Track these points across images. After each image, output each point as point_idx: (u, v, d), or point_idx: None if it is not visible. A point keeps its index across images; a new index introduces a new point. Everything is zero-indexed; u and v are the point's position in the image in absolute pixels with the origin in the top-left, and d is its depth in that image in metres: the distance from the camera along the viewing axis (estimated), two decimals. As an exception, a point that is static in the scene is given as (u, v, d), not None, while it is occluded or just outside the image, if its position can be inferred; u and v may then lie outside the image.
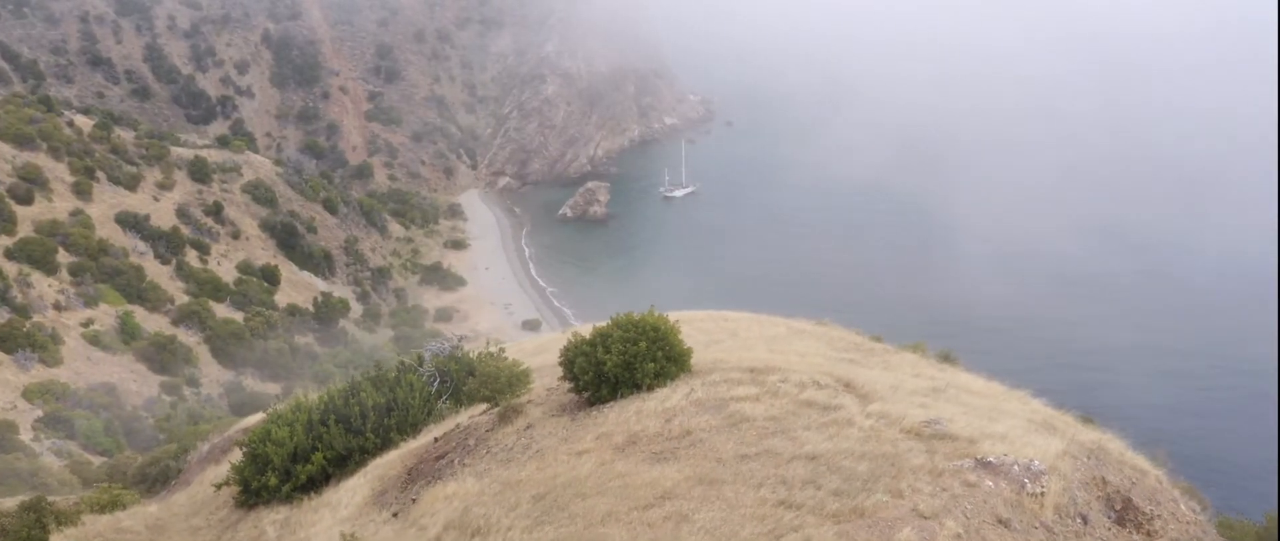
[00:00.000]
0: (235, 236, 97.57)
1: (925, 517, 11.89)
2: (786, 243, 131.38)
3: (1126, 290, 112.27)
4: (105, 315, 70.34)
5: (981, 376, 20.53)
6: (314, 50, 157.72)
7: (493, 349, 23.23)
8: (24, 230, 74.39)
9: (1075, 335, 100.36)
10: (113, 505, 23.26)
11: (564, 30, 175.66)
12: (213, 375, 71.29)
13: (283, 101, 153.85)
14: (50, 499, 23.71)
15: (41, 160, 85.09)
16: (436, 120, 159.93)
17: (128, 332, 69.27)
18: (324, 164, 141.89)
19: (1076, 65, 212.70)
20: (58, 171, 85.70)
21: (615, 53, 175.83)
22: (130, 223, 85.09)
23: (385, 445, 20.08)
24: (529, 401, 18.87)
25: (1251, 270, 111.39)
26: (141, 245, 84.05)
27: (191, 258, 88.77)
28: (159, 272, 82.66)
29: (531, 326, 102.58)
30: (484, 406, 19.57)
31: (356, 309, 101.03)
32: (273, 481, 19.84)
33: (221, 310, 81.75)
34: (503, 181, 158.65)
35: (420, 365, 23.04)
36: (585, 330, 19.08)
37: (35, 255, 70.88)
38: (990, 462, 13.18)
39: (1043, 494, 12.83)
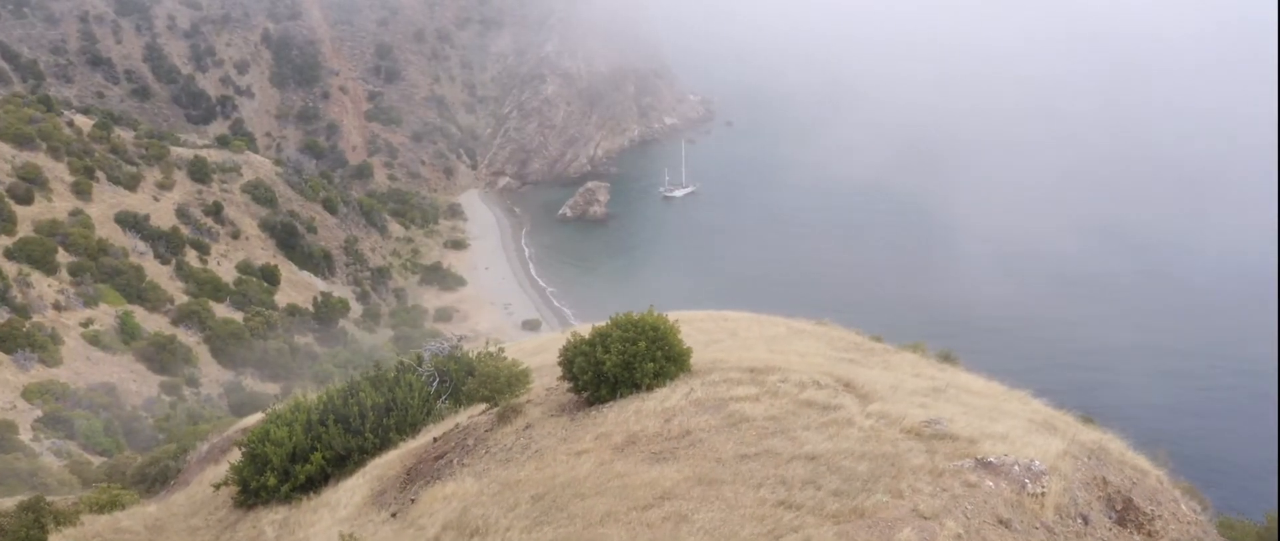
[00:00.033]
0: (235, 236, 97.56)
1: (925, 518, 11.85)
2: (786, 243, 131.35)
3: (1127, 290, 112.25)
4: (105, 315, 70.31)
5: (982, 376, 20.49)
6: (314, 50, 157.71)
7: (492, 349, 23.21)
8: (24, 230, 74.35)
9: (1075, 335, 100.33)
10: (111, 505, 23.23)
11: (564, 30, 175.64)
12: (212, 375, 71.26)
13: (283, 101, 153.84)
14: (49, 499, 23.68)
15: (41, 160, 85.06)
16: (436, 120, 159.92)
17: (127, 332, 69.25)
18: (324, 164, 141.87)
19: (1076, 65, 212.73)
20: (57, 171, 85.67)
21: (615, 53, 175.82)
22: (130, 222, 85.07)
23: (384, 445, 20.04)
24: (528, 401, 18.83)
25: (1251, 270, 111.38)
26: (141, 245, 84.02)
27: (191, 257, 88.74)
28: (159, 272, 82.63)
29: (531, 326, 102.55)
30: (483, 406, 19.54)
31: (356, 309, 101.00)
32: (271, 481, 19.81)
33: (221, 310, 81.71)
34: (503, 181, 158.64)
35: (419, 365, 22.99)
36: (585, 330, 19.04)
37: (35, 255, 70.84)
38: (991, 463, 13.14)
39: (1043, 494, 12.79)
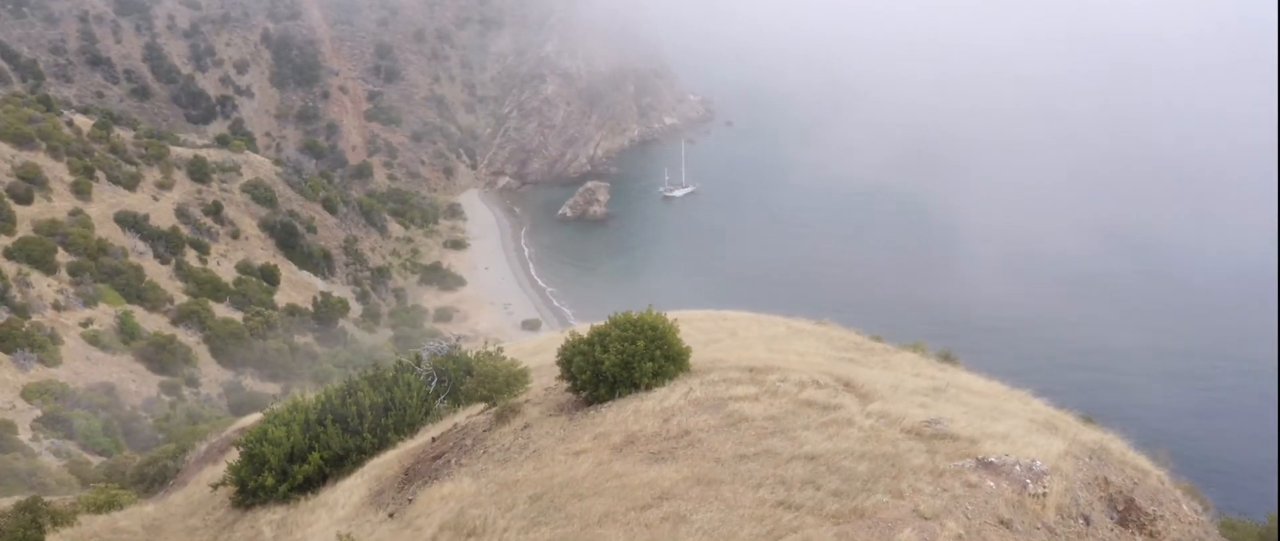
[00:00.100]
0: (234, 236, 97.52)
1: (926, 518, 11.78)
2: (786, 243, 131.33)
3: (1127, 290, 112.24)
4: (104, 315, 70.25)
5: (982, 376, 20.43)
6: (314, 50, 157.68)
7: (490, 349, 23.14)
8: (23, 230, 74.30)
9: (1076, 335, 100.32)
10: (109, 505, 23.15)
11: (564, 30, 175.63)
12: (212, 375, 71.20)
13: (282, 101, 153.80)
14: (47, 499, 23.63)
15: (41, 160, 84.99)
16: (436, 120, 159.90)
17: (127, 332, 69.19)
18: (323, 164, 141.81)
19: (1076, 65, 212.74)
20: (57, 171, 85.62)
21: (615, 53, 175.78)
22: (129, 222, 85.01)
23: (382, 445, 19.97)
24: (526, 401, 18.76)
25: (1251, 270, 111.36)
26: (141, 245, 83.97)
27: (191, 257, 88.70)
28: (158, 272, 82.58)
29: (531, 326, 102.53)
30: (481, 406, 19.47)
31: (356, 309, 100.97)
32: (269, 481, 19.73)
33: (221, 310, 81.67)
34: (502, 181, 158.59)
35: (418, 365, 22.93)
36: (584, 330, 18.97)
37: (34, 255, 70.78)
38: (991, 463, 13.07)
39: (1045, 494, 12.72)
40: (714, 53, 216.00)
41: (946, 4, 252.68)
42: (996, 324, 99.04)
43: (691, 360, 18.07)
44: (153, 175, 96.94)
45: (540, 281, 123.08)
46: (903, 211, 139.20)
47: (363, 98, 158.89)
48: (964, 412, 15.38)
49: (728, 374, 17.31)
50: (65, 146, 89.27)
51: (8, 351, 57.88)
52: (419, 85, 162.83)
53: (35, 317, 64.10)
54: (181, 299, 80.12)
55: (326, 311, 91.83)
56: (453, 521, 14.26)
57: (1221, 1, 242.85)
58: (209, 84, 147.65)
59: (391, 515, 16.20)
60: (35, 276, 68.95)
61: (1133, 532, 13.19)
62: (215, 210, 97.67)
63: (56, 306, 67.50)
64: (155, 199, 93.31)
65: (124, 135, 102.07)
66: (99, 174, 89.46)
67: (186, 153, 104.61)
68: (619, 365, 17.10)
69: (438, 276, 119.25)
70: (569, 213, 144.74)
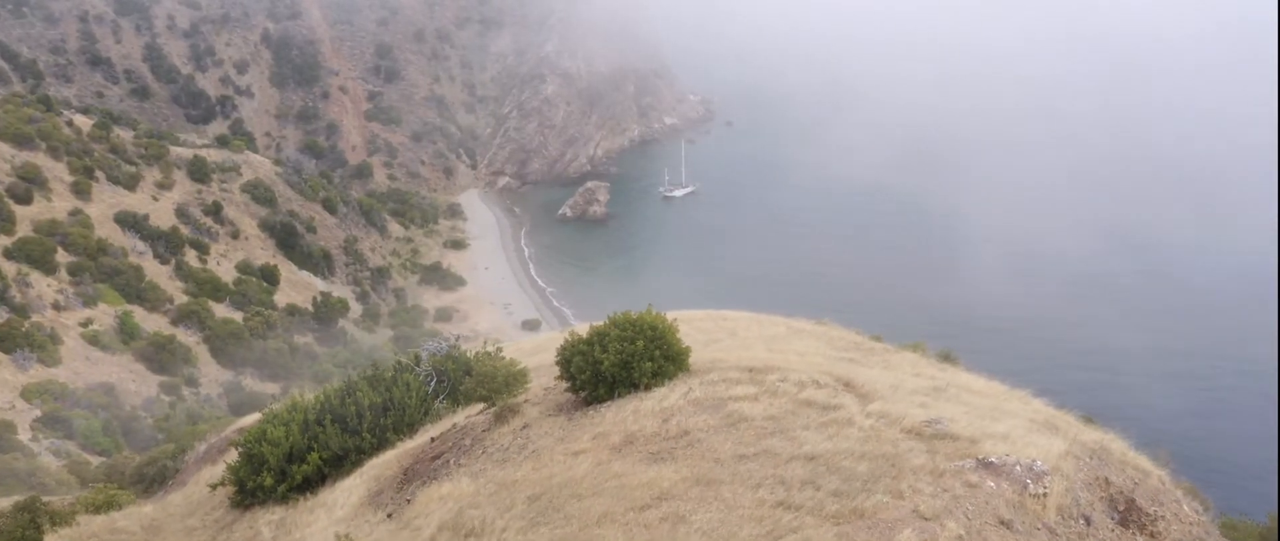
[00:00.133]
0: (234, 236, 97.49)
1: (926, 519, 11.74)
2: (786, 243, 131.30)
3: (1127, 290, 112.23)
4: (104, 315, 70.23)
5: (982, 376, 20.38)
6: (313, 50, 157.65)
7: (490, 348, 23.10)
8: (23, 230, 74.28)
9: (1076, 335, 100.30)
10: (108, 505, 23.11)
11: (564, 30, 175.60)
12: (212, 375, 71.17)
13: (282, 101, 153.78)
14: (45, 499, 23.59)
15: (40, 160, 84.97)
16: (436, 120, 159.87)
17: (127, 332, 69.16)
18: (323, 164, 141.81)
19: (1076, 65, 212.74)
20: (57, 171, 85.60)
21: (615, 53, 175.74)
22: (129, 222, 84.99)
23: (381, 445, 19.93)
24: (526, 401, 18.72)
25: (1252, 270, 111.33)
26: (140, 245, 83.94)
27: (191, 257, 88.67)
28: (158, 272, 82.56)
29: (531, 326, 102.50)
30: (480, 406, 19.43)
31: (356, 309, 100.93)
32: (268, 482, 19.69)
33: (221, 310, 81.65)
34: (502, 181, 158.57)
35: (417, 365, 22.89)
36: (583, 329, 18.93)
37: (34, 255, 70.76)
38: (992, 463, 13.03)
39: (1045, 494, 12.68)
40: (714, 53, 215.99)
41: (946, 4, 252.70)
42: (996, 324, 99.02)
43: (691, 360, 18.02)
44: (153, 175, 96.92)
45: (540, 281, 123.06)
46: (903, 211, 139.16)
47: (363, 98, 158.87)
48: (964, 412, 15.34)
49: (727, 374, 17.26)
50: (65, 146, 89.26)
51: (7, 351, 57.86)
52: (419, 85, 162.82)
53: (35, 317, 64.09)
54: (181, 299, 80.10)
55: (326, 311, 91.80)
56: (451, 521, 14.22)
57: (1221, 1, 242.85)
58: (209, 84, 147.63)
59: (390, 515, 16.16)
60: (35, 276, 68.93)
61: (1134, 533, 13.15)
62: (215, 210, 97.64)
63: (56, 306, 67.48)
64: (155, 199, 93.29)
65: (124, 135, 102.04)
66: (99, 174, 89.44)
67: (186, 153, 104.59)
68: (618, 365, 17.05)
69: (438, 276, 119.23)
70: (569, 213, 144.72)
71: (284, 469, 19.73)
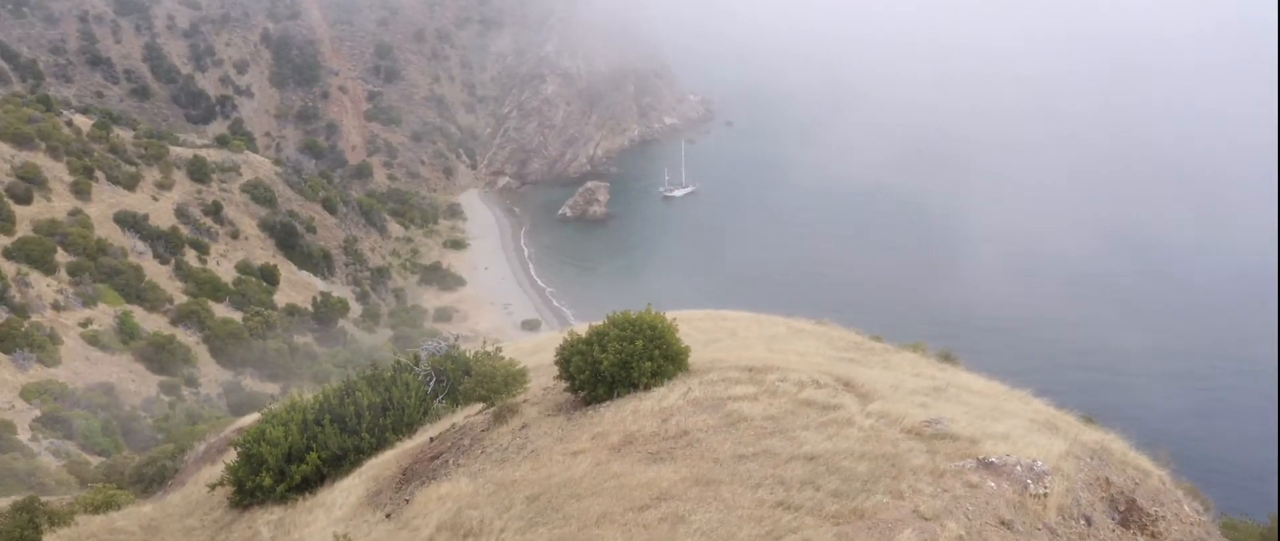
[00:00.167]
0: (234, 236, 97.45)
1: (926, 519, 11.71)
2: (786, 243, 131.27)
3: (1127, 290, 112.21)
4: (104, 315, 70.20)
5: (982, 376, 20.34)
6: (313, 50, 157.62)
7: (489, 348, 23.06)
8: (22, 230, 74.25)
9: (1076, 335, 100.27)
10: (107, 505, 23.09)
11: (564, 30, 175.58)
12: (211, 375, 71.13)
13: (282, 101, 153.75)
14: (44, 499, 23.56)
15: (40, 160, 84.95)
16: (436, 120, 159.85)
17: (126, 332, 69.13)
18: (323, 164, 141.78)
19: (1076, 65, 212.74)
20: (56, 171, 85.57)
21: (615, 53, 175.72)
22: (129, 222, 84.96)
23: (380, 445, 19.90)
24: (525, 401, 18.68)
25: (1252, 270, 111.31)
26: (140, 245, 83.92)
27: (190, 257, 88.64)
28: (158, 272, 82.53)
29: (531, 326, 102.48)
30: (480, 406, 19.39)
31: (356, 309, 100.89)
32: (267, 481, 19.66)
33: (220, 310, 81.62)
34: (502, 181, 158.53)
35: (416, 365, 22.85)
36: (582, 329, 18.89)
37: (34, 255, 70.73)
38: (992, 463, 13.00)
39: (1046, 495, 12.64)
40: (714, 53, 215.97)
41: (946, 4, 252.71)
42: (997, 324, 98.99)
43: (691, 360, 17.98)
44: (152, 175, 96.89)
45: (540, 281, 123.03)
46: (903, 211, 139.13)
47: (362, 98, 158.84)
48: (964, 412, 15.30)
49: (727, 373, 17.22)
50: (65, 146, 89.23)
51: (7, 351, 57.83)
52: (419, 85, 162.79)
53: (35, 317, 64.06)
54: (181, 299, 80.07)
55: (326, 311, 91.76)
56: (450, 522, 14.19)
57: (1221, 1, 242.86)
58: (209, 84, 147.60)
59: (389, 515, 16.13)
60: (35, 276, 68.90)
61: (1134, 533, 13.11)
62: (215, 210, 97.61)
63: (56, 306, 67.46)
64: (155, 199, 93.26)
65: (124, 135, 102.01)
66: (98, 174, 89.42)
67: (186, 153, 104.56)
68: (617, 365, 17.01)
69: (437, 276, 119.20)
70: (569, 213, 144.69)
71: (283, 469, 19.70)
